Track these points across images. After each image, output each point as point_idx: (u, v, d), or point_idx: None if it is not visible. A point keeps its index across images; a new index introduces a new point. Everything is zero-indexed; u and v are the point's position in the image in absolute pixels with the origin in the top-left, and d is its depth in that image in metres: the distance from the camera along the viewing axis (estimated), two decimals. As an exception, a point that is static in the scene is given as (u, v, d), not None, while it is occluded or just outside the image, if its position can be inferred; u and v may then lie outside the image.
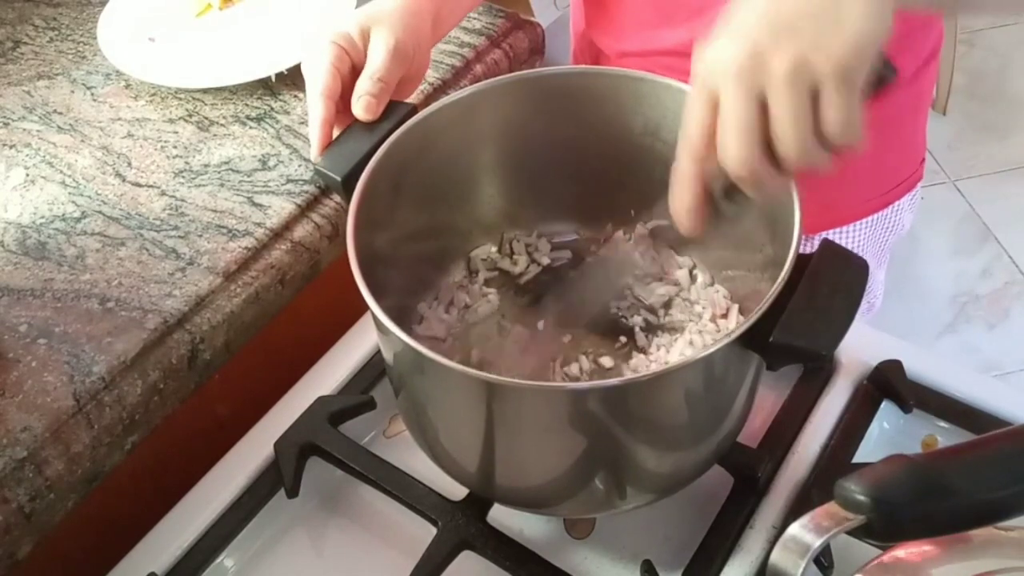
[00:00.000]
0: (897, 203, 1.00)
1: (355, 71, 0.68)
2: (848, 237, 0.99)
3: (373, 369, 0.77)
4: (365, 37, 0.68)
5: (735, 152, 0.51)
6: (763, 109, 0.50)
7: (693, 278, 0.73)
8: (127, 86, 0.96)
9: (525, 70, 0.71)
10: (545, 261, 0.76)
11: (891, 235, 1.03)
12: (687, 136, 0.54)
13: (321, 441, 0.71)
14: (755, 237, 0.65)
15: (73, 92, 0.96)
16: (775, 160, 0.51)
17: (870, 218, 0.99)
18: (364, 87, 0.66)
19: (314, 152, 0.66)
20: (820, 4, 0.49)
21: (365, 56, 0.68)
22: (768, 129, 0.50)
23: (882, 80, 0.51)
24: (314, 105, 0.66)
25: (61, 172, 0.87)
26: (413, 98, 0.91)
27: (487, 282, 0.75)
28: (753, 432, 0.71)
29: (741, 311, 0.70)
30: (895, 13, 0.50)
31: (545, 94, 0.70)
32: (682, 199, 0.55)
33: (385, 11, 0.69)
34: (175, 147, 0.89)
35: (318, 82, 0.66)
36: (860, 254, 0.57)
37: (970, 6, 0.78)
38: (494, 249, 0.76)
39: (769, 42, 0.49)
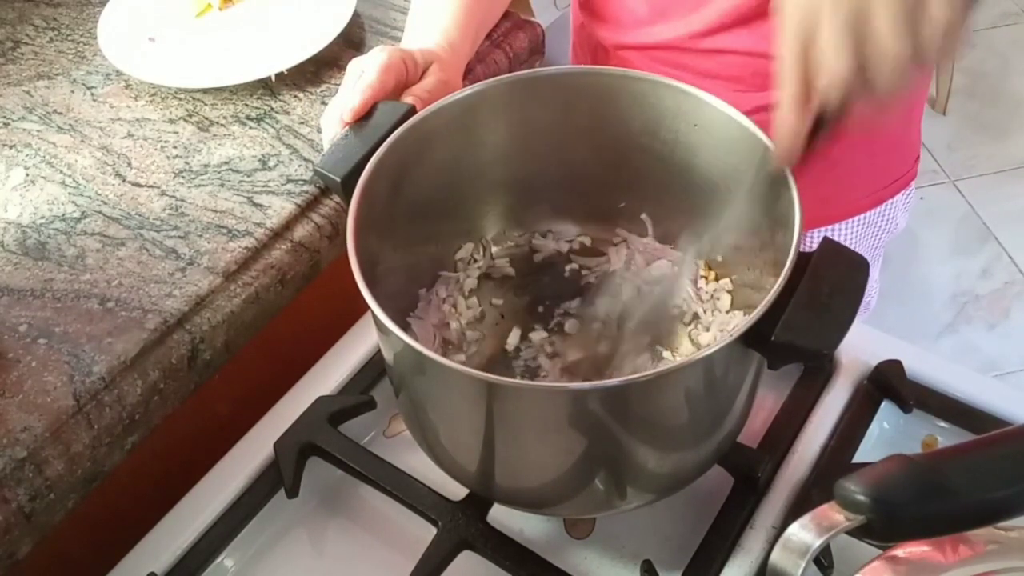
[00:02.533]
0: (891, 201, 1.00)
1: (398, 88, 0.71)
2: (841, 235, 0.99)
3: (373, 369, 0.77)
4: (423, 67, 0.73)
5: (838, 63, 0.52)
6: (862, 22, 0.51)
7: (695, 276, 0.73)
8: (127, 86, 0.96)
9: (525, 70, 0.71)
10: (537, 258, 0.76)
11: (885, 234, 1.04)
12: (789, 61, 0.54)
13: (321, 441, 0.71)
14: (756, 235, 0.65)
15: (73, 92, 0.96)
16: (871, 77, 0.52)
17: (863, 216, 0.99)
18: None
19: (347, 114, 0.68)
20: None
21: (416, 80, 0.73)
22: (868, 43, 0.51)
23: None
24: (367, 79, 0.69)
25: (61, 172, 0.87)
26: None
27: (482, 281, 0.75)
28: (753, 432, 0.70)
29: (742, 310, 0.70)
30: None
31: (545, 94, 0.70)
32: (788, 123, 0.56)
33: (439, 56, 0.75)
34: (175, 147, 0.89)
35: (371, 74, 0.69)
36: (853, 252, 0.57)
37: None
38: (477, 252, 0.76)
39: None
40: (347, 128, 0.67)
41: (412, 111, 0.67)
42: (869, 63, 0.52)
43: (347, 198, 0.62)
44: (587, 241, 0.76)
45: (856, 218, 0.99)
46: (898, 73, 0.52)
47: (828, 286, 0.55)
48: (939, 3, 0.50)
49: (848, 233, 1.00)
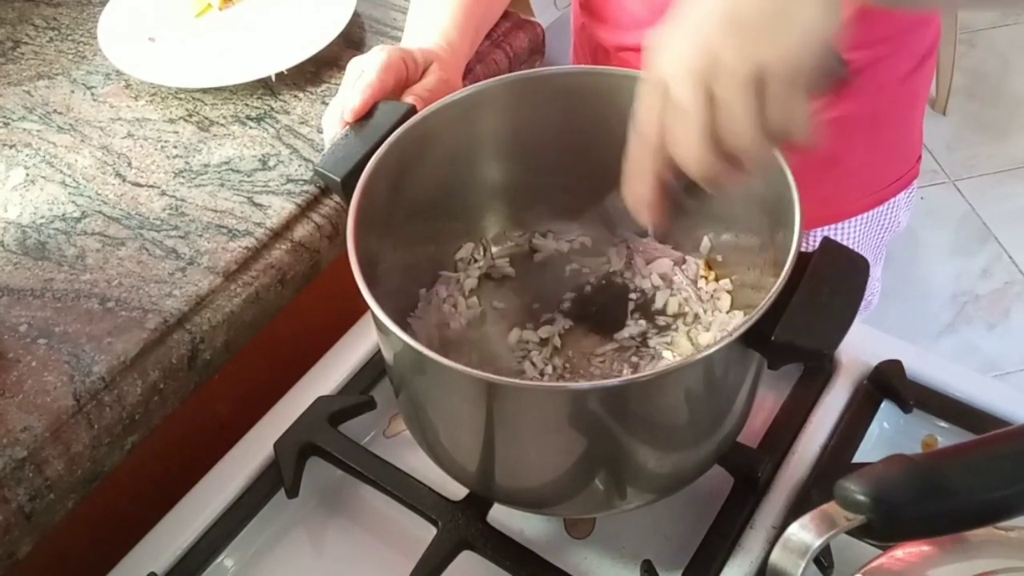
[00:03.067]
0: (892, 200, 1.00)
1: (398, 87, 0.71)
2: (843, 234, 0.99)
3: (373, 369, 0.77)
4: (423, 66, 0.74)
5: (690, 151, 0.52)
6: (714, 105, 0.51)
7: (695, 276, 0.73)
8: (127, 86, 0.96)
9: (525, 70, 0.71)
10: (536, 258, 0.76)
11: (887, 233, 1.04)
12: (640, 130, 0.55)
13: (321, 441, 0.71)
14: (756, 235, 0.65)
15: (73, 92, 0.96)
16: (727, 155, 0.52)
17: (865, 215, 0.99)
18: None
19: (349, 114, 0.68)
20: (771, 1, 0.50)
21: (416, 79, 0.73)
22: (718, 125, 0.51)
23: (834, 75, 0.52)
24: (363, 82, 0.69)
25: (61, 172, 0.87)
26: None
27: (482, 281, 0.75)
28: (753, 432, 0.70)
29: (742, 310, 0.70)
30: (852, 9, 0.51)
31: (545, 94, 0.70)
32: (638, 193, 0.56)
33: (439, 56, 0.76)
34: (175, 147, 0.89)
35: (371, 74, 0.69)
36: (855, 251, 0.57)
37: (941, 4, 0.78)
38: (477, 252, 0.76)
39: (720, 39, 0.50)
40: (347, 128, 0.67)
41: (412, 111, 0.67)
42: (723, 140, 0.52)
43: (347, 198, 0.62)
44: (587, 241, 0.76)
45: (857, 217, 0.99)
46: (754, 148, 0.52)
47: (828, 286, 0.55)
48: (780, 100, 0.50)
49: (850, 232, 1.00)
